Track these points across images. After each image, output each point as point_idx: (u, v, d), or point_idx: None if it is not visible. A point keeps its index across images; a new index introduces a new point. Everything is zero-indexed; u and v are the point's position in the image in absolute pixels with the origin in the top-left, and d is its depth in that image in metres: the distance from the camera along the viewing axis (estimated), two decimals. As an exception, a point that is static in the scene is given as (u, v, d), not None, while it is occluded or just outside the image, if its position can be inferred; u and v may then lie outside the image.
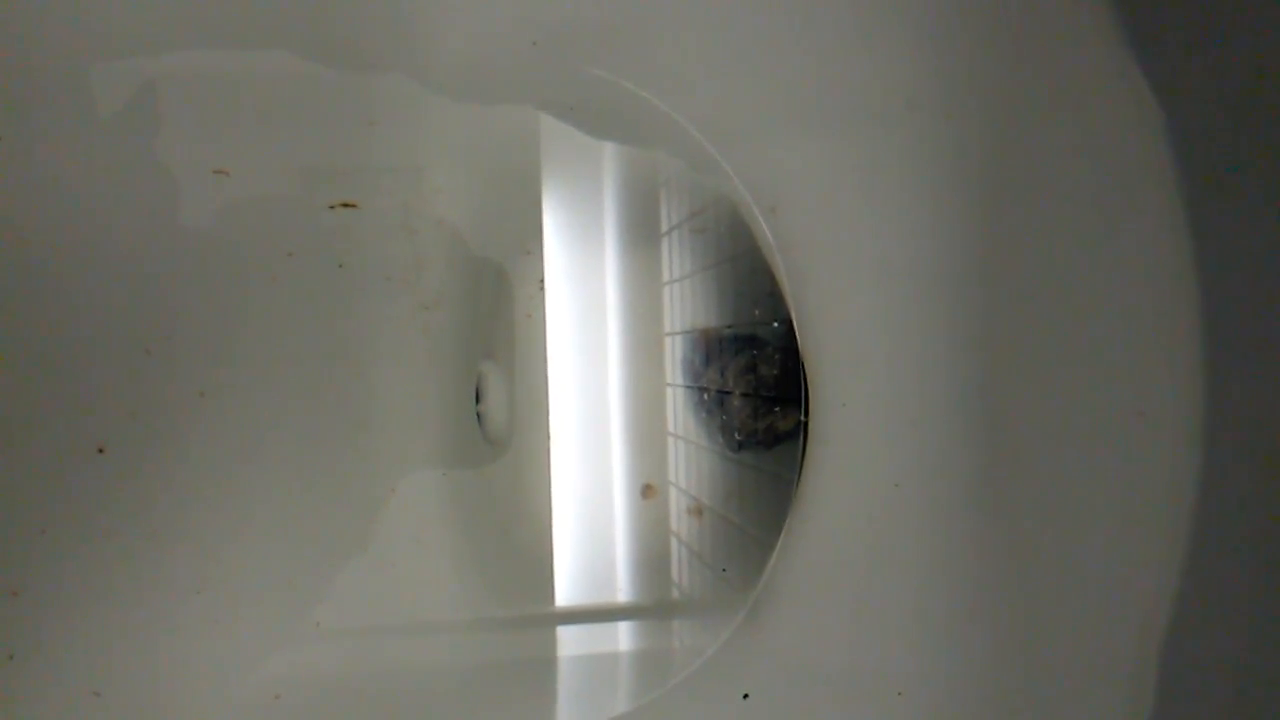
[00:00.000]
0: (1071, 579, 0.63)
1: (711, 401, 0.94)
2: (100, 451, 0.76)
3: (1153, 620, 0.58)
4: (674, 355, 0.96)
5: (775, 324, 0.89)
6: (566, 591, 0.93)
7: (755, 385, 0.91)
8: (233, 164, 0.80)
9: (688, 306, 0.96)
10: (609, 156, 0.96)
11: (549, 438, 0.93)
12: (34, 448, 0.75)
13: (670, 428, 0.96)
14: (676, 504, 0.95)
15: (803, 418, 0.85)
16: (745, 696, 0.75)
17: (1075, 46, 0.60)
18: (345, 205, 0.84)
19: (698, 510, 0.93)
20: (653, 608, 0.95)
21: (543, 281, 0.93)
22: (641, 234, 0.97)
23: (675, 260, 0.96)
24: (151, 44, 0.76)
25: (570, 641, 0.91)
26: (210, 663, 0.79)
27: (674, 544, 0.95)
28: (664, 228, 0.97)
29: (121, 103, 0.77)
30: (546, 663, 0.90)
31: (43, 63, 0.74)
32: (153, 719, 0.77)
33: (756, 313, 0.91)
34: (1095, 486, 0.62)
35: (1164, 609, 0.57)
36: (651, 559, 0.95)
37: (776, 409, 0.90)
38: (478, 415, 0.94)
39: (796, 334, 0.85)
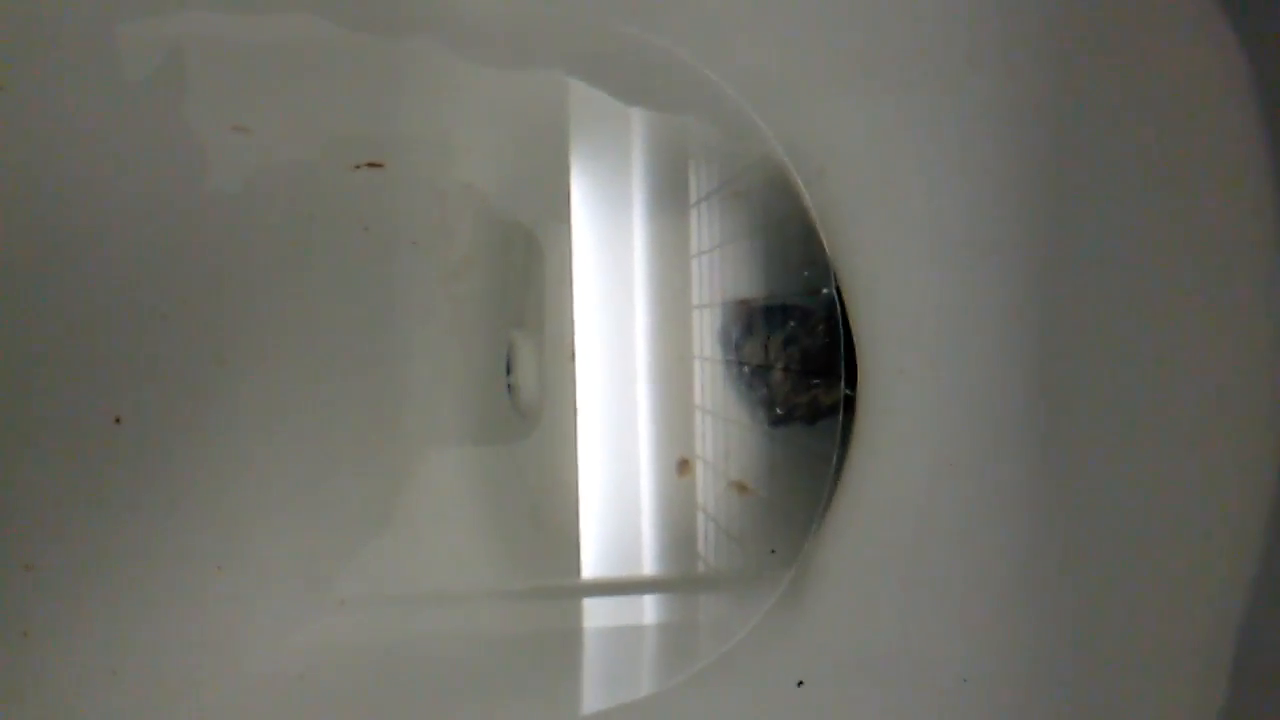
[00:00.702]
0: (1140, 561, 0.61)
1: (751, 375, 0.92)
2: (117, 421, 0.74)
3: (1228, 605, 0.55)
4: (710, 327, 0.94)
5: (819, 294, 0.87)
6: (593, 567, 0.92)
7: (797, 358, 0.89)
8: (255, 123, 0.78)
9: (725, 276, 0.93)
10: (640, 119, 0.93)
11: (577, 410, 0.91)
12: (48, 418, 0.73)
13: (706, 402, 0.94)
14: (703, 479, 0.93)
15: (847, 391, 0.83)
16: (800, 684, 0.73)
17: (1156, -5, 0.57)
18: (371, 165, 0.81)
19: (741, 486, 0.91)
20: (684, 582, 0.93)
21: (572, 250, 0.91)
22: (675, 201, 0.94)
23: (710, 228, 0.93)
24: (176, 3, 0.74)
25: (600, 615, 0.90)
26: (231, 640, 0.78)
27: (707, 521, 0.93)
28: (699, 194, 0.94)
29: (144, 63, 0.74)
30: (574, 635, 0.88)
31: (64, 21, 0.71)
32: (171, 698, 0.76)
33: (805, 276, 0.88)
34: (1165, 466, 0.60)
35: (1240, 594, 0.55)
36: (683, 536, 0.93)
37: (818, 382, 0.87)
38: (508, 387, 0.91)
39: (843, 305, 0.83)
